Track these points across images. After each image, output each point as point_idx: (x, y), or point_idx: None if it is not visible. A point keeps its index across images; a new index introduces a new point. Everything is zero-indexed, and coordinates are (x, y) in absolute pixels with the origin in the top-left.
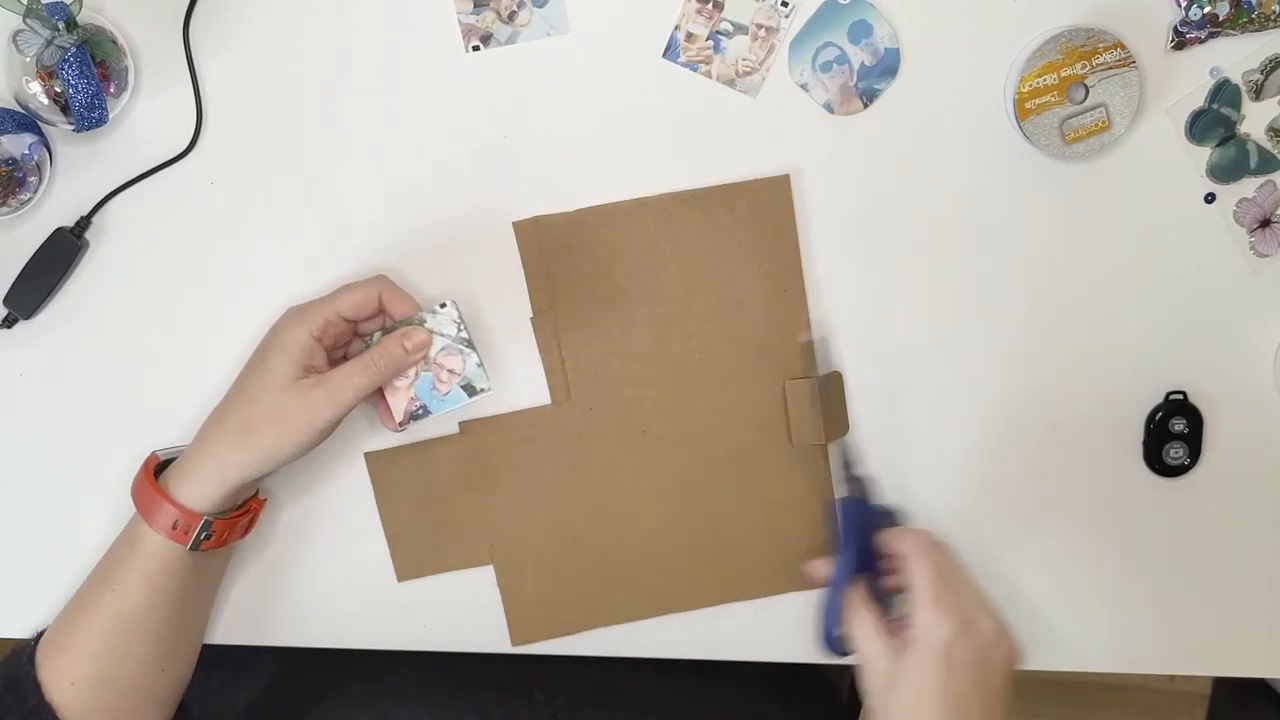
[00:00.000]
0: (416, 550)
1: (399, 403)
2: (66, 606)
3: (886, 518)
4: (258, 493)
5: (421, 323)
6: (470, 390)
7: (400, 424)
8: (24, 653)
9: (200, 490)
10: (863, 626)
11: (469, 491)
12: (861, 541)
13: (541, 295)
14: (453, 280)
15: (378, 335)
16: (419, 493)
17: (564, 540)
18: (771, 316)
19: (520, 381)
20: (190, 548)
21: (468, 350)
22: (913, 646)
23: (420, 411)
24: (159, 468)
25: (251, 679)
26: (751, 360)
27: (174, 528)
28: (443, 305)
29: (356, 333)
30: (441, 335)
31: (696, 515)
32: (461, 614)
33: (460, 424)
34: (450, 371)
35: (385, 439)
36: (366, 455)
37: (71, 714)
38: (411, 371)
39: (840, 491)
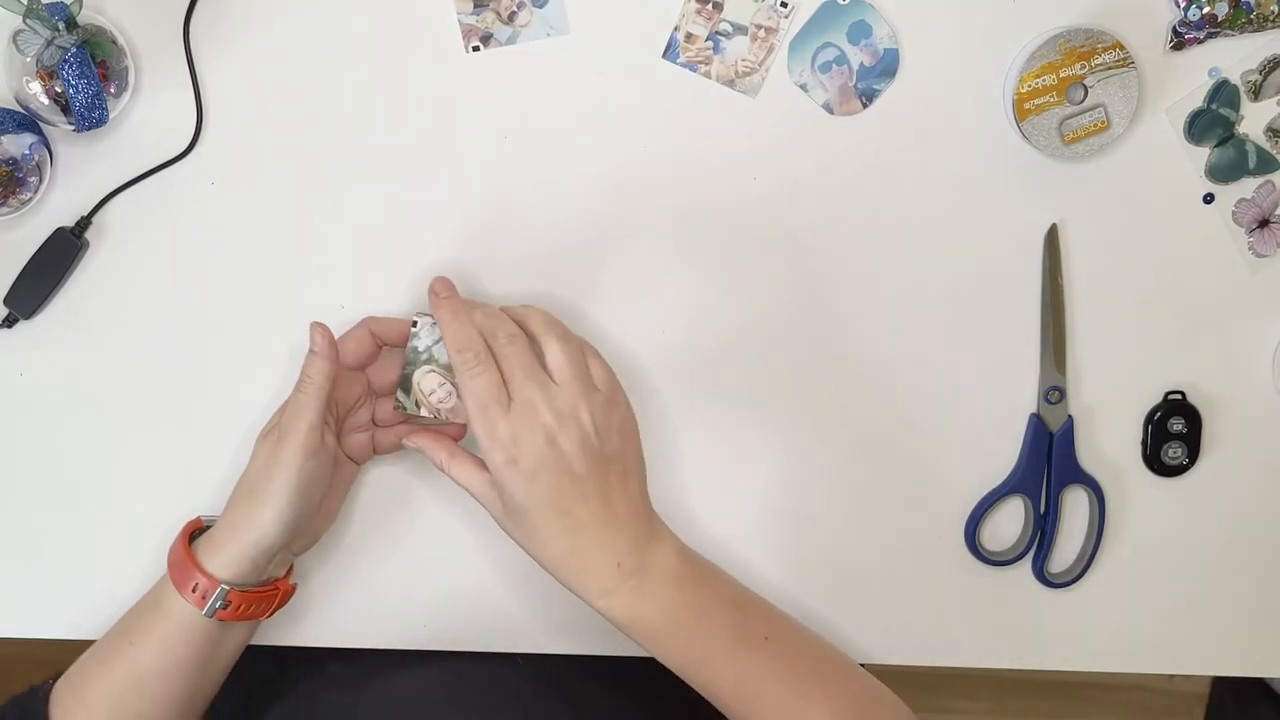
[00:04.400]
0: None
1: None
2: (87, 653)
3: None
4: (290, 574)
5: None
6: None
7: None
8: (40, 690)
9: (224, 559)
10: (459, 469)
11: None
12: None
13: None
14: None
15: (403, 397)
16: None
17: None
18: None
19: None
20: (205, 614)
21: None
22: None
23: None
24: (198, 533)
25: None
26: None
27: (193, 591)
28: (415, 323)
29: (371, 390)
30: (439, 342)
31: None
32: (461, 613)
33: None
34: None
35: None
36: None
37: None
38: (447, 392)
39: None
